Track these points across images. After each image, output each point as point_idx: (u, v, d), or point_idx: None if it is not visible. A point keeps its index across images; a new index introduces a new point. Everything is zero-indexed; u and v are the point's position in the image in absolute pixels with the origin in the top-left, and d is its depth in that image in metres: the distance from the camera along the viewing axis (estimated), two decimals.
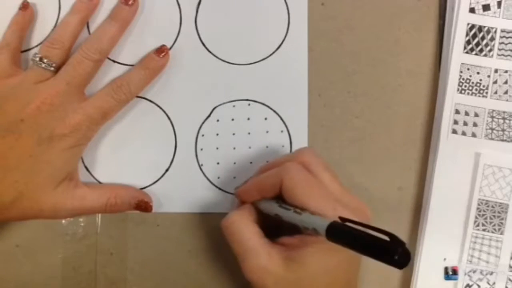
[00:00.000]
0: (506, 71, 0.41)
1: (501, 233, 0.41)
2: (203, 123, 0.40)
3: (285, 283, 0.32)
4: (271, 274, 0.32)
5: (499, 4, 0.40)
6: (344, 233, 0.28)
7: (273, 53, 0.40)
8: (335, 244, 0.28)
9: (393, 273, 0.41)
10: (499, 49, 0.41)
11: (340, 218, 0.29)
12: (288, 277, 0.31)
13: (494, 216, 0.41)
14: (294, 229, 0.32)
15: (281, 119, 0.40)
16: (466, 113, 0.41)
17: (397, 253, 0.24)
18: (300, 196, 0.32)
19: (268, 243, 0.33)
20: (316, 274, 0.31)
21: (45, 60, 0.36)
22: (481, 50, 0.41)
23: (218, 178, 0.40)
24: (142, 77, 0.37)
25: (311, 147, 0.35)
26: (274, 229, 0.34)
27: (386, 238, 0.26)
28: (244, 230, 0.33)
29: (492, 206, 0.41)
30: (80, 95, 0.36)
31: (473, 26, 0.40)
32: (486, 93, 0.41)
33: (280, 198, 0.33)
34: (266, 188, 0.34)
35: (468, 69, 0.41)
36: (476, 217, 0.41)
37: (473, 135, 0.41)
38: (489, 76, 0.41)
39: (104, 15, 0.38)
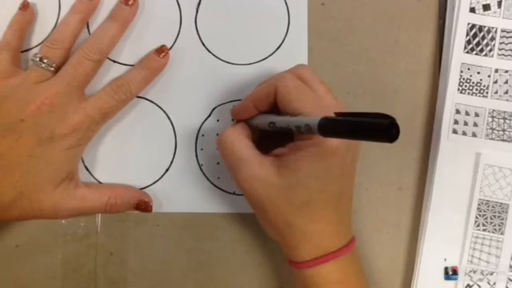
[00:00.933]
0: (506, 71, 0.41)
1: (502, 233, 0.41)
2: (203, 123, 0.40)
3: (276, 190, 0.32)
4: (262, 182, 0.32)
5: (499, 4, 0.40)
6: (335, 124, 0.28)
7: (273, 53, 0.40)
8: (329, 138, 0.28)
9: (394, 273, 0.41)
10: (500, 49, 0.41)
11: (336, 113, 0.30)
12: (279, 183, 0.32)
13: (494, 216, 0.40)
14: (287, 140, 0.33)
15: None
16: (467, 113, 0.41)
17: (383, 126, 0.25)
18: (294, 103, 0.32)
19: (260, 154, 0.34)
20: (306, 178, 0.32)
21: (45, 60, 0.36)
22: (481, 50, 0.41)
23: (218, 178, 0.40)
24: (142, 77, 0.37)
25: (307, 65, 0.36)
26: (267, 149, 0.35)
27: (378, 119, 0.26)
28: (236, 142, 0.34)
29: (493, 206, 0.40)
30: (80, 95, 0.36)
31: (473, 26, 0.40)
32: (487, 93, 0.41)
33: (274, 113, 0.34)
34: (261, 99, 0.35)
35: (468, 69, 0.41)
36: (476, 217, 0.40)
37: (474, 135, 0.41)
38: (489, 76, 0.41)
39: (104, 15, 0.38)
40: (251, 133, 0.36)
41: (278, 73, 0.37)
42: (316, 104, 0.33)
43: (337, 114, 0.29)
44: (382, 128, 0.25)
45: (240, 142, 0.34)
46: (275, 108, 0.34)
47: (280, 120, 0.33)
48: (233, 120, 0.39)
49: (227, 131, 0.35)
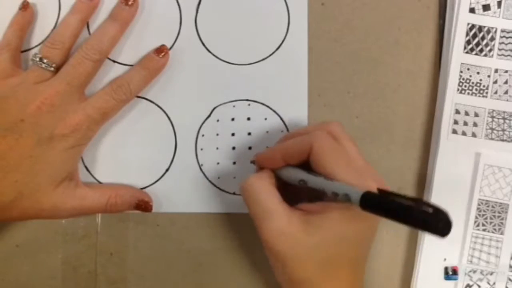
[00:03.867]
0: (506, 71, 0.41)
1: (501, 233, 0.41)
2: (203, 123, 0.40)
3: (301, 247, 0.31)
4: (288, 237, 0.31)
5: (499, 4, 0.40)
6: (380, 202, 0.28)
7: (273, 53, 0.40)
8: (368, 212, 0.28)
9: (393, 273, 0.41)
10: (499, 49, 0.41)
11: (378, 189, 0.29)
12: (305, 241, 0.31)
13: (494, 216, 0.40)
14: (314, 198, 0.32)
15: (281, 119, 0.40)
16: (466, 113, 0.41)
17: (441, 222, 0.25)
18: (329, 164, 0.32)
19: (288, 207, 0.33)
20: (333, 240, 0.31)
21: (45, 60, 0.36)
22: (481, 50, 0.41)
23: (218, 178, 0.40)
24: (142, 77, 0.37)
25: (338, 121, 0.35)
26: (291, 198, 0.34)
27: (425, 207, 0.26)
28: (264, 191, 0.33)
29: (492, 206, 0.40)
30: (80, 95, 0.36)
31: (473, 26, 0.40)
32: (486, 93, 0.41)
33: (302, 166, 0.34)
34: (292, 155, 0.34)
35: (468, 69, 0.41)
36: (476, 217, 0.41)
37: (473, 135, 0.41)
38: (489, 76, 0.41)
39: (104, 15, 0.38)
40: (276, 181, 0.35)
41: (310, 127, 0.37)
42: (350, 166, 0.32)
43: (380, 190, 0.29)
44: (436, 223, 0.25)
45: (267, 192, 0.33)
46: (303, 162, 0.33)
47: (313, 181, 0.32)
48: (252, 162, 0.38)
49: (252, 178, 0.34)
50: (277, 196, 0.33)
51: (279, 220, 0.32)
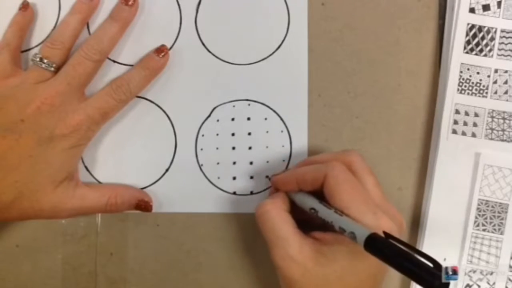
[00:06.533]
0: (506, 71, 0.41)
1: (501, 233, 0.41)
2: (203, 123, 0.40)
3: (312, 276, 0.32)
4: (299, 265, 0.32)
5: (499, 4, 0.40)
6: (383, 247, 0.27)
7: (273, 53, 0.40)
8: (370, 254, 0.28)
9: (393, 273, 0.41)
10: (499, 49, 0.41)
11: (385, 233, 0.29)
12: (316, 270, 0.31)
13: (494, 216, 0.41)
14: (325, 226, 0.32)
15: (281, 119, 0.40)
16: (466, 113, 0.41)
17: (439, 279, 0.25)
18: (342, 196, 0.32)
19: (301, 234, 0.33)
20: (344, 273, 0.31)
21: (45, 61, 0.36)
22: (481, 50, 0.41)
23: (218, 178, 0.40)
24: (142, 77, 0.37)
25: (357, 151, 0.35)
26: (303, 222, 0.34)
27: (425, 260, 0.26)
28: (277, 218, 0.33)
29: (492, 206, 0.41)
30: (80, 95, 0.36)
31: (473, 26, 0.40)
32: (486, 93, 0.41)
33: (316, 194, 0.33)
34: (307, 181, 0.34)
35: (468, 69, 0.41)
36: (476, 217, 0.41)
37: (473, 135, 0.41)
38: (489, 76, 0.41)
39: (104, 15, 0.38)
40: (289, 205, 0.35)
41: (328, 155, 0.36)
42: (363, 199, 0.32)
43: (386, 234, 0.29)
44: (433, 280, 0.25)
45: (281, 219, 0.33)
46: (318, 190, 0.33)
47: (323, 211, 0.32)
48: (267, 177, 0.39)
49: (267, 204, 0.34)
50: (291, 223, 0.33)
51: (291, 248, 0.32)
